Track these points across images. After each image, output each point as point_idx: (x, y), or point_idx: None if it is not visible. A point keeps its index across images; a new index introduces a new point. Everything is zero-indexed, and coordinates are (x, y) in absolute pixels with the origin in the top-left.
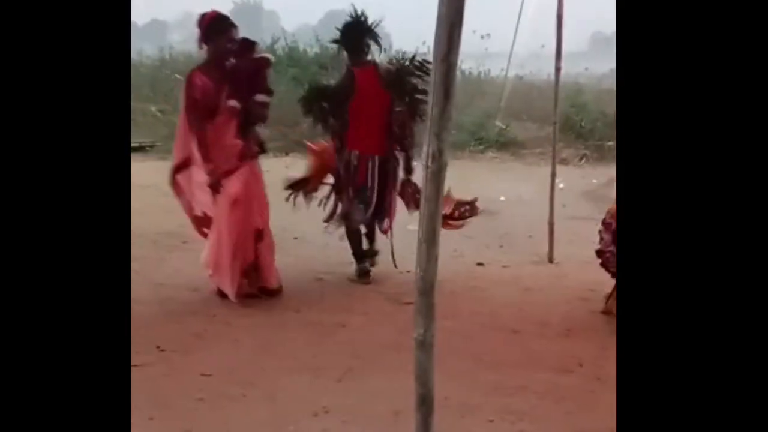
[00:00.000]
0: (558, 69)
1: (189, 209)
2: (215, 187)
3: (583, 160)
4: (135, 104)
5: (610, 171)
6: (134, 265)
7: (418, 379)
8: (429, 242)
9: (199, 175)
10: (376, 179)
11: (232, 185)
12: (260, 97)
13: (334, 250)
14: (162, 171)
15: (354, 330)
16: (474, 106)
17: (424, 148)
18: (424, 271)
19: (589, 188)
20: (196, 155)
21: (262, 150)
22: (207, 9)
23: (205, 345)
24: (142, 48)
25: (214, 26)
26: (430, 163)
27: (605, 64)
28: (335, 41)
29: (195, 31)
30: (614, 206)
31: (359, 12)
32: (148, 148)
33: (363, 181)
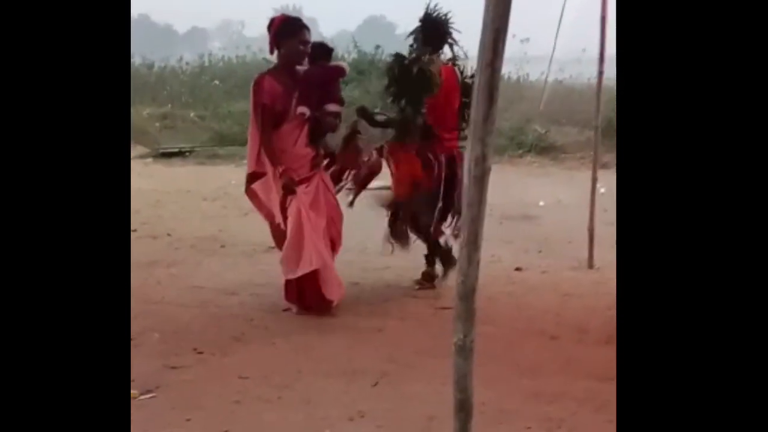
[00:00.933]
0: (601, 72)
1: (271, 219)
2: (290, 189)
3: None
4: (175, 110)
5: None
6: (173, 270)
7: (456, 385)
8: (471, 246)
9: (277, 182)
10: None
11: (306, 194)
12: (332, 107)
13: (371, 254)
14: (201, 176)
15: (390, 334)
16: (513, 111)
17: (468, 153)
18: (465, 276)
19: None
20: (266, 161)
21: (333, 160)
22: (247, 16)
23: (242, 348)
24: (182, 55)
25: (285, 29)
26: (473, 168)
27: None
28: (412, 33)
29: (235, 38)
30: None
31: (433, 4)
32: (187, 154)
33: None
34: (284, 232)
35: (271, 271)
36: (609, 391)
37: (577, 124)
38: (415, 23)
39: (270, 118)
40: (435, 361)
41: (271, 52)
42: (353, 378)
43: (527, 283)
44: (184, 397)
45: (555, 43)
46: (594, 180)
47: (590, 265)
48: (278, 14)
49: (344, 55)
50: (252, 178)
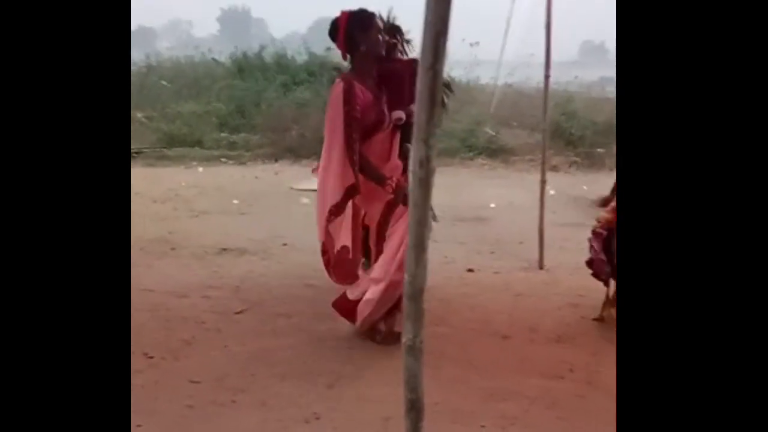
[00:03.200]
0: (547, 77)
1: (331, 245)
2: (405, 199)
3: (573, 167)
4: None
5: (600, 178)
6: None
7: (407, 385)
8: (418, 248)
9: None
10: None
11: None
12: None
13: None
14: (150, 177)
15: (345, 336)
16: (464, 114)
17: (412, 155)
18: (413, 277)
19: (580, 195)
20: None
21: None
22: (195, 15)
23: (194, 351)
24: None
25: (358, 22)
26: (418, 169)
27: (595, 73)
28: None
29: (184, 37)
30: (604, 215)
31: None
32: (135, 155)
33: None
34: (353, 263)
35: (222, 273)
36: (560, 389)
37: (527, 126)
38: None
39: (361, 131)
40: (390, 363)
41: (345, 56)
42: (309, 380)
43: (480, 283)
44: (135, 403)
45: (503, 48)
46: (543, 182)
47: (540, 266)
48: (341, 12)
49: (294, 56)
50: (345, 199)
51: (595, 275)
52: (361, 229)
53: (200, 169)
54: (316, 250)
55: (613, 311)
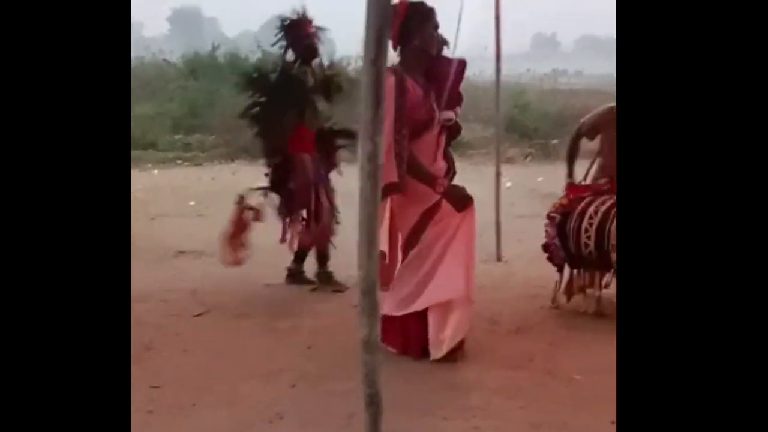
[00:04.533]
0: (498, 70)
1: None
2: (464, 203)
3: (529, 159)
4: None
5: (555, 169)
6: None
7: (365, 380)
8: (369, 242)
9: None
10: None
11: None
12: (459, 110)
13: (283, 254)
14: None
15: (307, 334)
16: None
17: (359, 151)
18: (366, 272)
19: (536, 186)
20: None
21: (454, 171)
22: (145, 16)
23: (153, 356)
24: None
25: (416, 14)
26: (366, 165)
27: (546, 65)
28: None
29: (134, 38)
30: (558, 201)
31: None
32: None
33: None
34: (389, 268)
35: (180, 276)
36: (521, 379)
37: (482, 120)
38: (328, 21)
39: (411, 128)
40: (352, 358)
41: (396, 47)
42: (272, 379)
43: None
44: None
45: (455, 42)
46: (498, 175)
47: (498, 258)
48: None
49: (248, 55)
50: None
51: (550, 260)
52: (398, 234)
53: (155, 171)
54: (275, 249)
55: (567, 297)
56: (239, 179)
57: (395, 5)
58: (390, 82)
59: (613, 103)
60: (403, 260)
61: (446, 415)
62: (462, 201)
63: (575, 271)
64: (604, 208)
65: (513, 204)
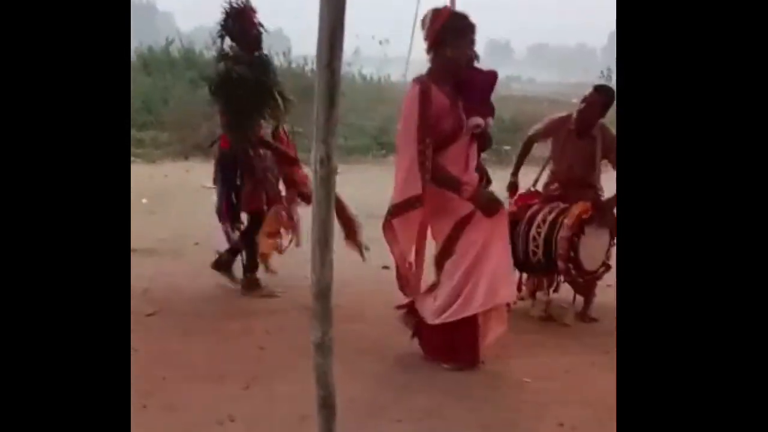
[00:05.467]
0: None
1: (402, 261)
2: (494, 208)
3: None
4: None
5: (507, 175)
6: None
7: (318, 382)
8: (322, 247)
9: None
10: None
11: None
12: (491, 120)
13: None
14: None
15: (259, 336)
16: (376, 111)
17: (312, 154)
18: (319, 275)
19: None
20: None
21: (489, 181)
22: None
23: None
24: None
25: (456, 25)
26: (319, 169)
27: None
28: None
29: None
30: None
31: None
32: None
33: None
34: (415, 276)
35: (132, 275)
36: (472, 381)
37: None
38: (279, 16)
39: (436, 138)
40: (305, 361)
41: (430, 51)
42: (222, 381)
43: (394, 280)
44: None
45: (411, 46)
46: None
47: None
48: (442, 7)
49: (203, 51)
50: (399, 210)
51: None
52: (425, 243)
53: None
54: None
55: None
56: (192, 177)
57: (438, 10)
58: (414, 92)
59: (566, 112)
60: (439, 271)
61: (399, 417)
62: (491, 206)
63: (524, 276)
64: (551, 216)
65: None
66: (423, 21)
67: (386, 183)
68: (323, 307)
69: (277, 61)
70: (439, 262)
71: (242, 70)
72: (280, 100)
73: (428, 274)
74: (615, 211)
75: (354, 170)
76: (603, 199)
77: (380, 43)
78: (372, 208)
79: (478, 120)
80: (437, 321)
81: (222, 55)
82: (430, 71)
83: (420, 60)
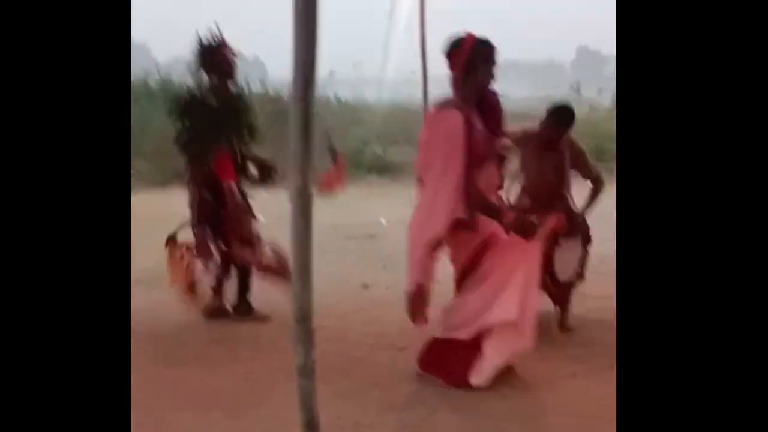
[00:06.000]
0: (425, 95)
1: (421, 282)
2: (531, 232)
3: None
4: None
5: None
6: None
7: (302, 405)
8: (302, 272)
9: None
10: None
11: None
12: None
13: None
14: None
15: (244, 362)
16: (351, 132)
17: (290, 184)
18: (300, 300)
19: None
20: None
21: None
22: None
23: None
24: None
25: (483, 50)
26: (296, 198)
27: None
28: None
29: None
30: None
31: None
32: None
33: None
34: (425, 300)
35: None
36: (459, 395)
37: (414, 143)
38: (256, 44)
39: (476, 161)
40: (290, 384)
41: (459, 82)
42: (207, 407)
43: (374, 299)
44: None
45: (384, 66)
46: None
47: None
48: (466, 34)
49: (180, 81)
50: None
51: None
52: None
53: None
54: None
55: None
56: (169, 204)
57: (461, 39)
58: (457, 119)
59: (532, 125)
60: (458, 290)
61: None
62: (528, 230)
63: None
64: None
65: None
66: (447, 51)
67: (363, 203)
68: (305, 330)
69: (254, 87)
70: (459, 283)
71: (207, 94)
72: (244, 128)
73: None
74: (587, 220)
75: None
76: (574, 209)
77: (354, 65)
78: (350, 228)
79: (505, 140)
80: (449, 336)
81: (198, 88)
82: (459, 97)
83: (396, 80)
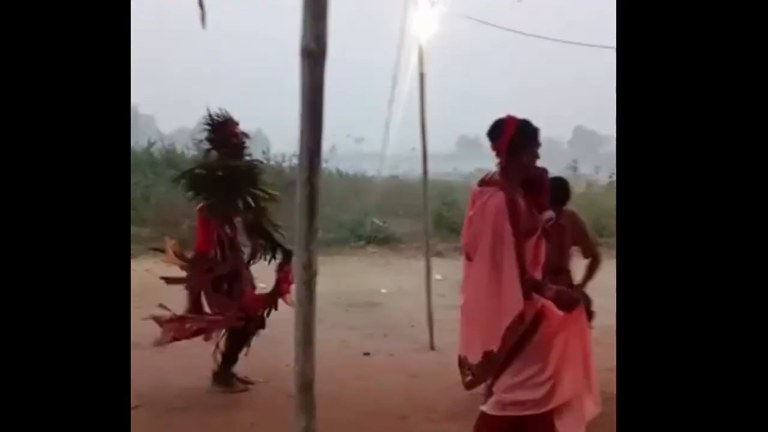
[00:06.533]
0: (425, 171)
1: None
2: (573, 304)
3: (457, 252)
4: None
5: None
6: None
7: None
8: (305, 342)
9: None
10: None
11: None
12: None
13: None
14: None
15: (244, 428)
16: (352, 205)
17: (297, 260)
18: (302, 369)
19: None
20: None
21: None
22: None
23: None
24: None
25: (527, 134)
26: (302, 273)
27: (471, 164)
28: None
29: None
30: None
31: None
32: None
33: None
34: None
35: None
36: None
37: (413, 216)
38: (259, 118)
39: (518, 238)
40: None
41: (504, 162)
42: None
43: (375, 366)
44: None
45: (385, 143)
46: (428, 268)
47: (432, 347)
48: (507, 117)
49: (184, 151)
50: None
51: None
52: None
53: None
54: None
55: None
56: (174, 271)
57: (503, 120)
58: (500, 200)
59: None
60: (507, 363)
61: None
62: (570, 303)
63: None
64: None
65: (443, 295)
66: (491, 132)
67: (364, 273)
68: (306, 399)
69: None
70: (510, 358)
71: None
72: (250, 199)
73: None
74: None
75: (333, 262)
76: (575, 283)
77: (356, 141)
78: (352, 297)
79: (550, 213)
80: (505, 412)
81: (205, 164)
82: (507, 177)
83: (396, 156)
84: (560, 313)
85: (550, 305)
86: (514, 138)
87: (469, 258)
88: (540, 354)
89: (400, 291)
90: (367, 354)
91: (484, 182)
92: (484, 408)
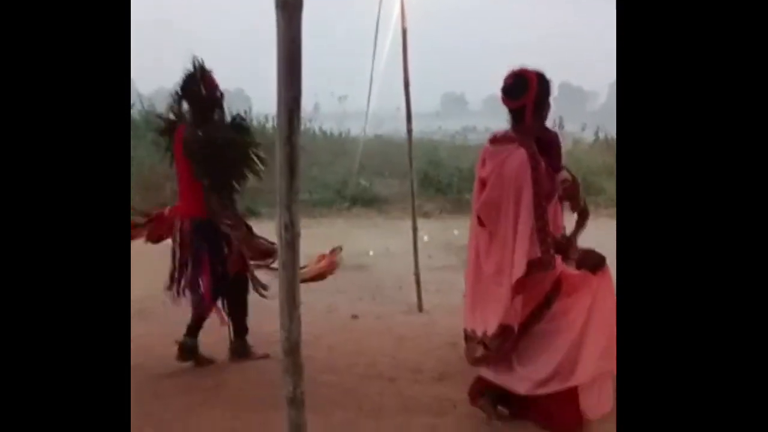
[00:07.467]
0: (409, 131)
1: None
2: (600, 264)
3: (444, 213)
4: None
5: (467, 222)
6: None
7: None
8: (290, 305)
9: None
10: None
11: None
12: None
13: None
14: None
15: (232, 390)
16: (337, 165)
17: (277, 220)
18: (288, 332)
19: (452, 239)
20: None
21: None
22: None
23: None
24: None
25: (547, 88)
26: (284, 233)
27: (457, 123)
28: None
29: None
30: None
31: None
32: None
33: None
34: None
35: None
36: (445, 425)
37: (398, 176)
38: (241, 79)
39: (541, 198)
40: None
41: (530, 117)
42: None
43: (364, 329)
44: None
45: (369, 102)
46: (415, 229)
47: (420, 309)
48: (521, 70)
49: (163, 112)
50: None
51: None
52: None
53: None
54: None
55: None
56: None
57: (523, 76)
58: (523, 156)
59: None
60: (522, 333)
61: None
62: (597, 263)
63: None
64: None
65: (431, 257)
66: (511, 89)
67: (351, 234)
68: (293, 362)
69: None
70: (526, 328)
71: (226, 134)
72: (257, 161)
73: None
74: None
75: (319, 224)
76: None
77: (339, 99)
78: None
79: (566, 174)
80: (539, 392)
81: (178, 117)
82: (522, 132)
83: (379, 114)
84: (581, 276)
85: (567, 269)
86: (538, 93)
87: (482, 224)
88: (557, 327)
89: (387, 253)
90: (355, 317)
91: (497, 140)
92: (519, 389)
